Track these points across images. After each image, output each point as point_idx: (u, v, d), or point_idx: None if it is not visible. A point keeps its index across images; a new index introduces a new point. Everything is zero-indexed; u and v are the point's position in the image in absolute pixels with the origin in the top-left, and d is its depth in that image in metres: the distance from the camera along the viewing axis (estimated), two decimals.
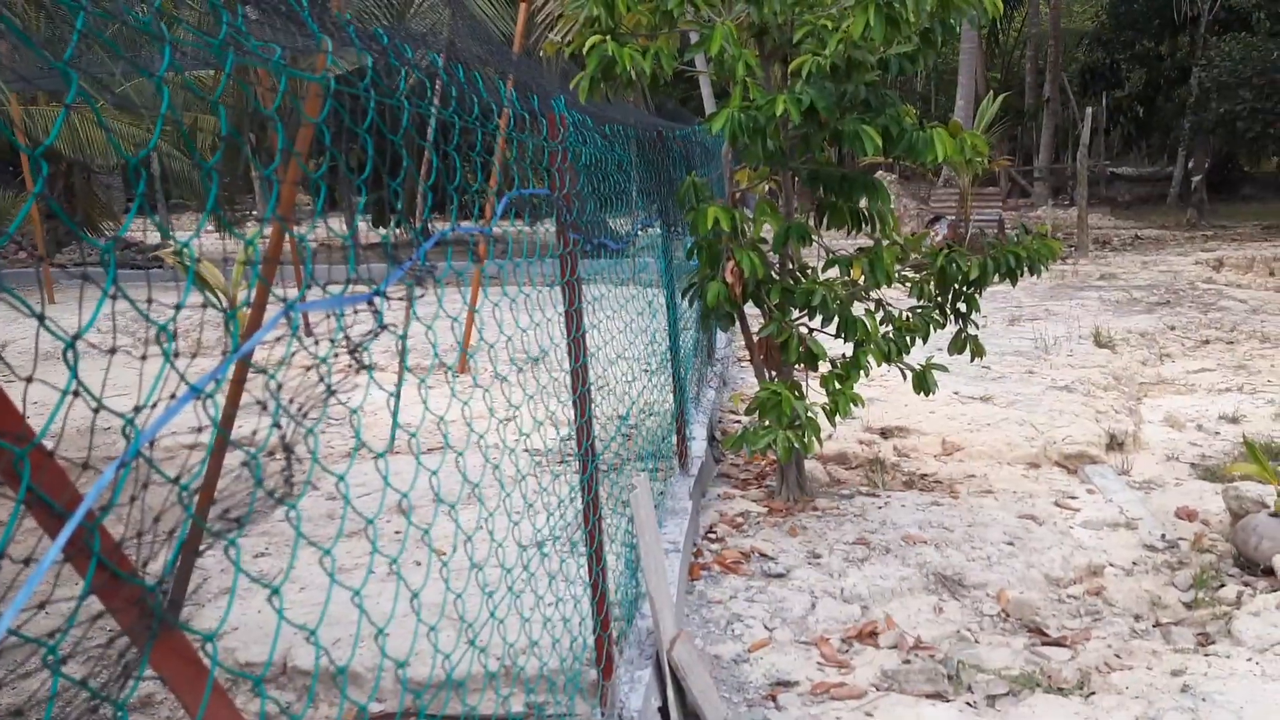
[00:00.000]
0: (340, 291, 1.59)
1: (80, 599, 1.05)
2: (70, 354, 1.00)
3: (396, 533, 4.82)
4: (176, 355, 1.23)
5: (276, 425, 1.36)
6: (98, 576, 1.08)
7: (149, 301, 1.19)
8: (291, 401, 1.41)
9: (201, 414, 1.19)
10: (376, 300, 1.67)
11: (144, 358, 1.24)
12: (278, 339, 1.40)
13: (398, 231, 2.16)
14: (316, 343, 1.47)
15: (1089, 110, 18.08)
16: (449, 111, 2.13)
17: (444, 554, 3.89)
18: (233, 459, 2.72)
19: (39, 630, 1.00)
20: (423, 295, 1.74)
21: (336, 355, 1.49)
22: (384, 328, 1.67)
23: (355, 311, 1.63)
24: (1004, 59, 33.73)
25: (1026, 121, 28.56)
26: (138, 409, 1.15)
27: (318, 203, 1.55)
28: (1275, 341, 9.22)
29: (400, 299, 1.71)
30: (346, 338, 1.60)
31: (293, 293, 1.49)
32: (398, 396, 1.87)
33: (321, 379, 1.49)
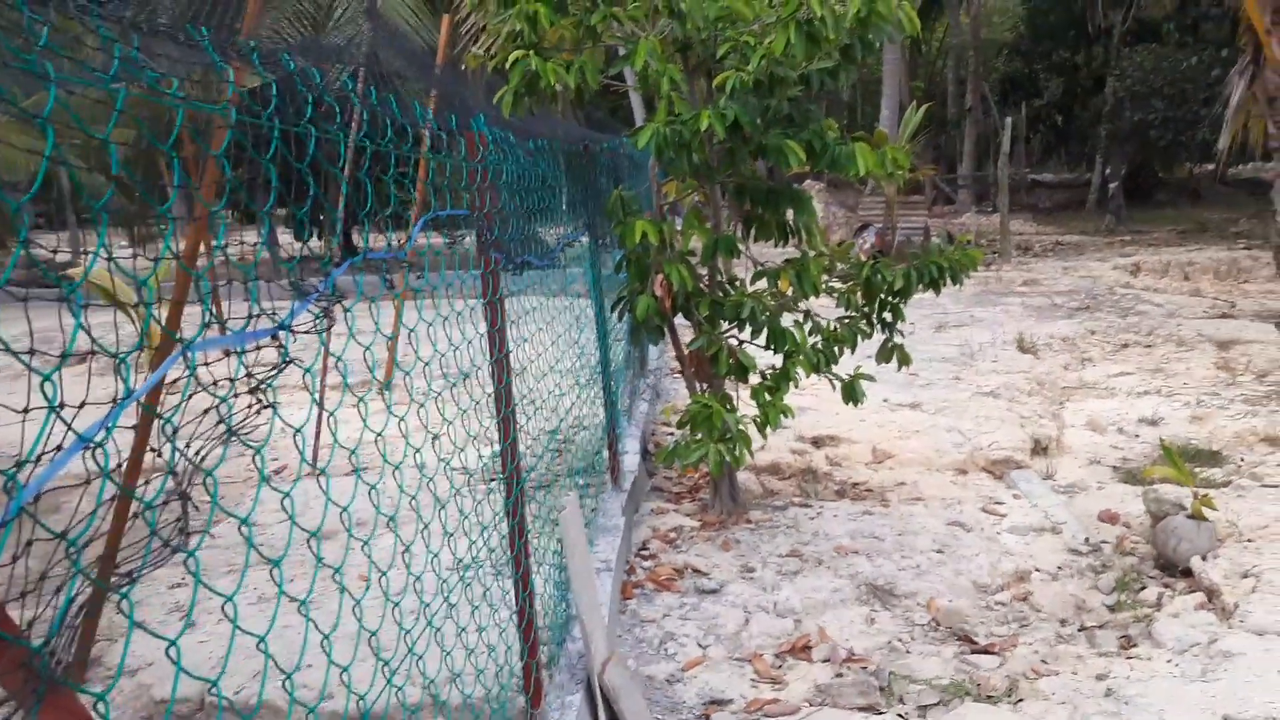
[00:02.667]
0: (243, 326, 1.53)
1: None
2: None
3: (325, 556, 4.71)
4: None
5: (172, 473, 1.30)
6: None
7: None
8: (189, 445, 1.35)
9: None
10: (281, 335, 1.61)
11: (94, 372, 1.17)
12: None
13: (310, 252, 2.10)
14: (215, 383, 1.40)
15: (1009, 119, 18.50)
16: (359, 135, 2.07)
17: (364, 579, 3.80)
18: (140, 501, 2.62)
19: None
20: (331, 326, 1.68)
21: (237, 395, 1.43)
22: (289, 362, 1.62)
23: (259, 347, 1.57)
24: (927, 69, 34.41)
25: (950, 130, 29.16)
26: (19, 464, 1.09)
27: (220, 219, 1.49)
28: (1191, 345, 9.49)
29: (308, 332, 1.65)
30: (249, 375, 1.53)
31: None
32: (320, 418, 1.81)
33: (221, 420, 1.42)
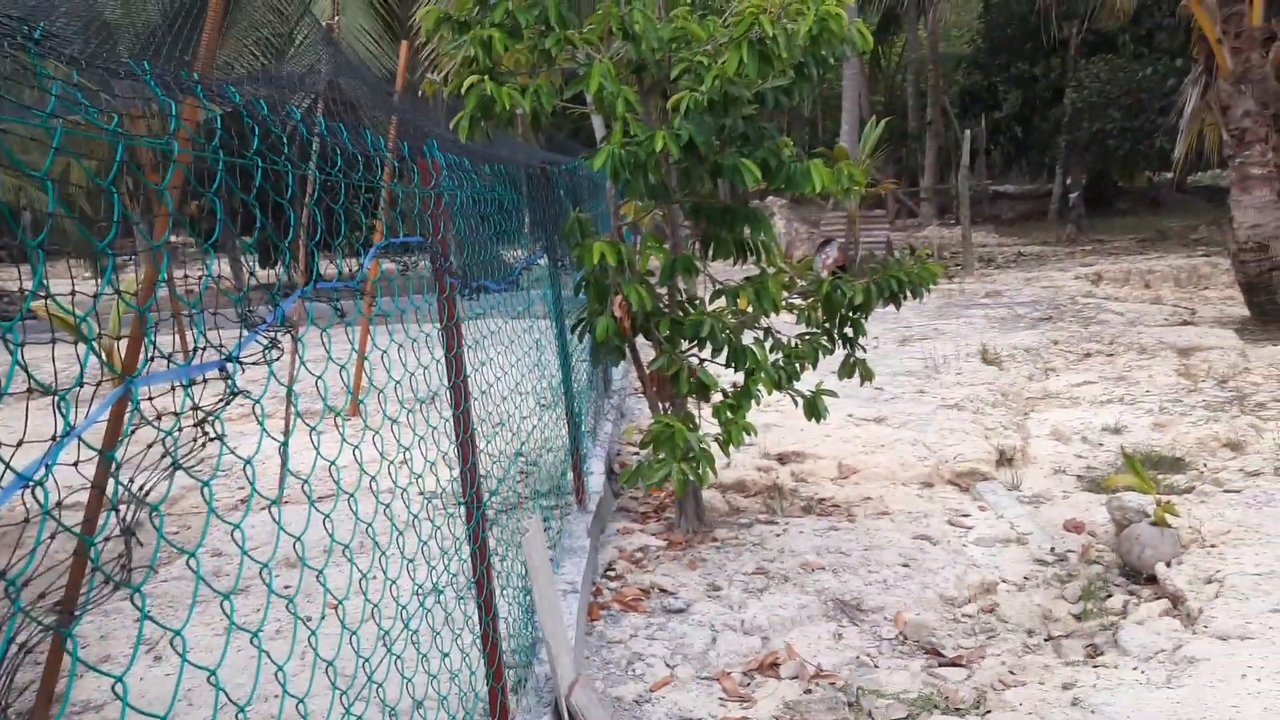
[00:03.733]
0: (188, 360, 1.52)
1: None
2: None
3: (286, 586, 4.66)
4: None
5: (114, 509, 1.29)
6: None
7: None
8: (133, 480, 1.34)
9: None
10: (228, 366, 1.60)
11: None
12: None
13: (261, 282, 2.09)
14: (159, 417, 1.39)
15: (968, 132, 18.74)
16: (308, 166, 2.07)
17: (333, 607, 3.77)
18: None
19: None
20: (280, 357, 1.67)
21: (182, 428, 1.42)
22: (236, 394, 1.60)
23: (204, 380, 1.55)
24: (887, 83, 34.79)
25: (911, 143, 29.48)
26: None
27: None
28: (1152, 352, 9.62)
29: (256, 363, 1.64)
30: (195, 408, 1.52)
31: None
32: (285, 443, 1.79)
33: (166, 452, 1.41)
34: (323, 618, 2.25)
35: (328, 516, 2.12)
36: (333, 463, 2.10)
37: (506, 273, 3.93)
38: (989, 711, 3.57)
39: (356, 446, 2.22)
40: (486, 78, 4.37)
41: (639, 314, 4.82)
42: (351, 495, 2.19)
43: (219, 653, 1.67)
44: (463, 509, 2.94)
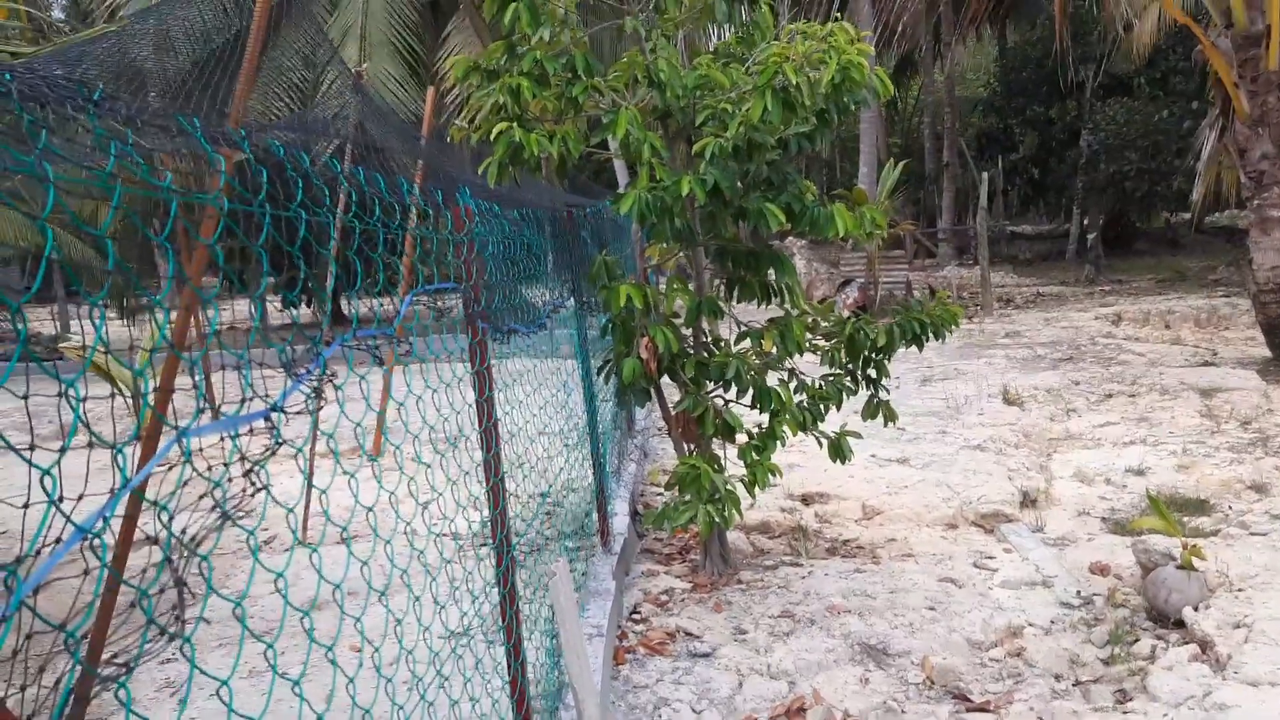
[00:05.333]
0: (236, 410, 1.56)
1: None
2: None
3: (317, 629, 4.67)
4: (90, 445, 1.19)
5: (168, 560, 1.32)
6: None
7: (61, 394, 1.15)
8: (184, 531, 1.37)
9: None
10: (274, 416, 1.64)
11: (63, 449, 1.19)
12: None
13: (296, 322, 2.13)
14: (210, 467, 1.43)
15: (986, 173, 18.81)
16: (348, 215, 2.12)
17: (357, 650, 3.78)
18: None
19: None
20: (323, 406, 1.71)
21: (231, 479, 1.45)
22: (281, 444, 1.64)
23: (251, 430, 1.59)
24: (904, 125, 35.01)
25: (929, 185, 29.58)
26: (19, 559, 1.11)
27: (224, 284, 1.53)
28: (1174, 393, 9.58)
29: (299, 412, 1.68)
30: (242, 458, 1.56)
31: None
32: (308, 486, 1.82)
33: (216, 504, 1.45)
34: (360, 664, 2.26)
35: (365, 564, 2.14)
36: (369, 507, 2.13)
37: (535, 315, 3.98)
38: None
39: (391, 492, 2.25)
40: (515, 124, 4.44)
41: (665, 355, 4.85)
42: (388, 541, 2.22)
43: (247, 696, 1.69)
44: (492, 552, 2.96)
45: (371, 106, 6.37)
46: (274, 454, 1.51)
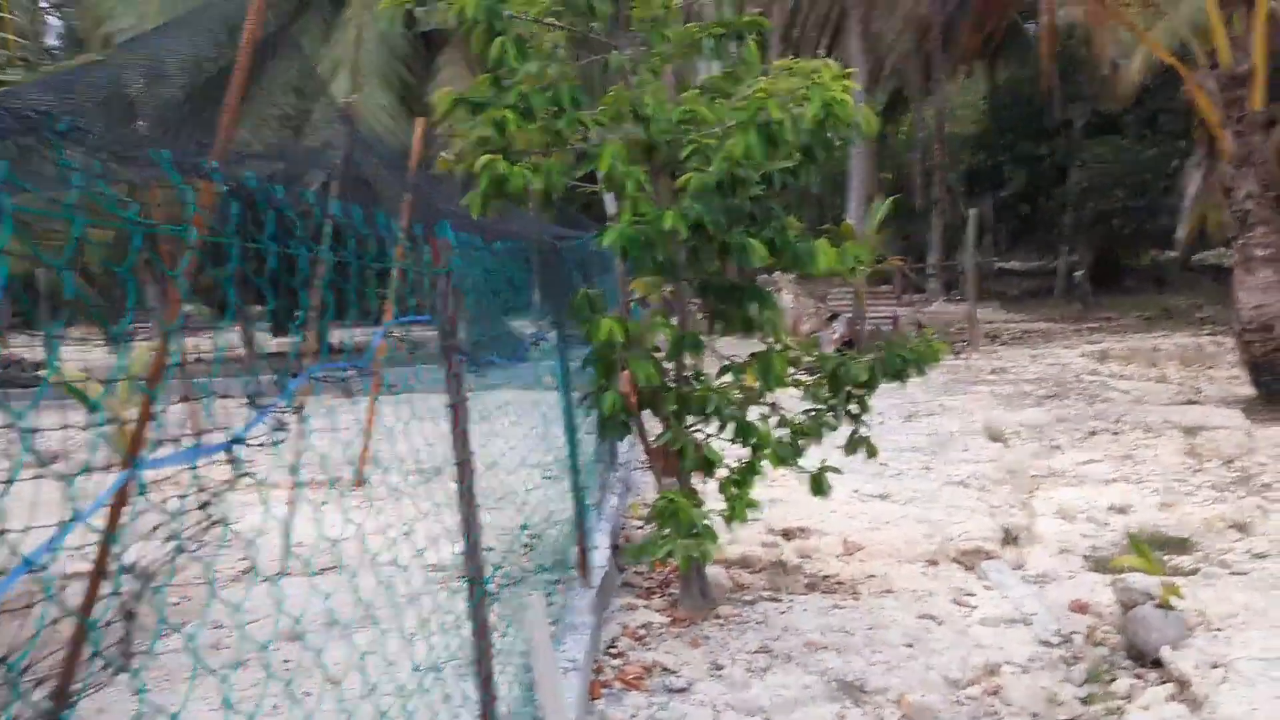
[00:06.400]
0: (194, 444, 1.56)
1: None
2: None
3: (286, 661, 4.63)
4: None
5: (116, 593, 1.31)
6: None
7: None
8: (135, 565, 1.37)
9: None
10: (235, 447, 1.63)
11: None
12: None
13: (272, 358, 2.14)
14: (164, 500, 1.43)
15: (974, 210, 18.96)
16: (325, 249, 2.14)
17: (333, 682, 3.74)
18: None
19: None
20: (284, 440, 1.71)
21: (186, 511, 1.45)
22: (243, 475, 1.64)
23: (209, 464, 1.59)
24: (894, 160, 35.27)
25: (918, 220, 29.78)
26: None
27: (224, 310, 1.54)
28: (1158, 431, 9.61)
29: (261, 445, 1.68)
30: (201, 490, 1.56)
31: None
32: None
33: (171, 537, 1.44)
34: (322, 696, 2.25)
35: (327, 597, 2.13)
36: (333, 540, 2.13)
37: (515, 347, 3.99)
38: None
39: (357, 524, 2.25)
40: (500, 157, 4.47)
41: (645, 389, 4.86)
42: (354, 573, 2.21)
43: None
44: (466, 585, 2.95)
45: (360, 138, 6.41)
46: (233, 487, 1.51)
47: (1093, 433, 9.88)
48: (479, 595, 2.91)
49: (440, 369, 2.95)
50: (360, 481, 7.66)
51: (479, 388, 3.32)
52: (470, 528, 2.94)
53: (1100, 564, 6.07)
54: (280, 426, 1.66)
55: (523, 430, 5.13)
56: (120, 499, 1.38)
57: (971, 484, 7.85)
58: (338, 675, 3.87)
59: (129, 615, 1.25)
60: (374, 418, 7.58)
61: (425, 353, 2.96)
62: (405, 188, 5.75)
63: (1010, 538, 6.64)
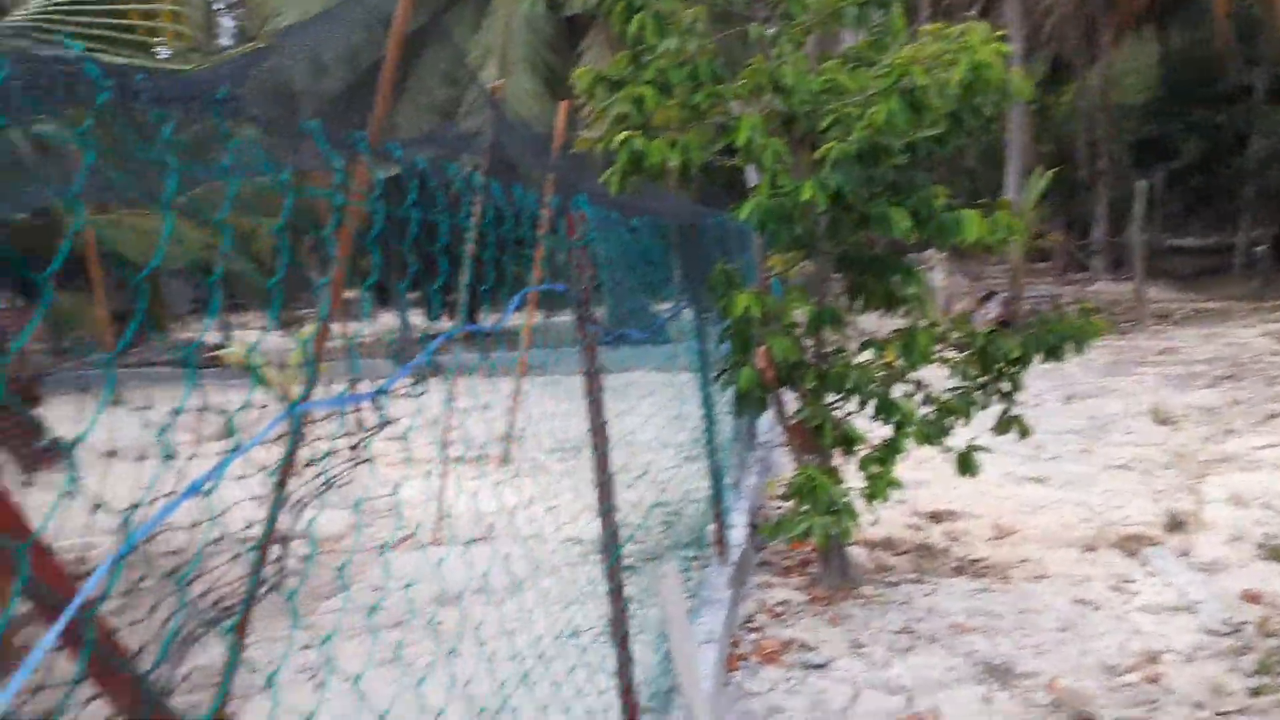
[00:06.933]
0: (343, 390, 1.64)
1: (74, 683, 1.09)
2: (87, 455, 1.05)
3: (439, 623, 4.83)
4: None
5: (273, 520, 1.41)
6: (92, 662, 1.12)
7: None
8: (292, 496, 1.46)
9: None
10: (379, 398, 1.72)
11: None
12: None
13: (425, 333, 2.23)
14: (317, 439, 1.52)
15: (1142, 182, 17.93)
16: (486, 222, 2.21)
17: (480, 645, 3.89)
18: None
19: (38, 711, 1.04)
20: (424, 393, 1.79)
21: (338, 450, 1.54)
22: (386, 424, 1.72)
23: (358, 409, 1.68)
24: (1055, 132, 33.65)
25: (1081, 195, 28.37)
26: (135, 506, 1.20)
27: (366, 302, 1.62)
28: None
29: (406, 395, 1.76)
30: (348, 434, 1.65)
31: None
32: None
33: (321, 473, 1.53)
34: (480, 656, 2.34)
35: (488, 570, 2.22)
36: (488, 513, 2.21)
37: (651, 323, 4.03)
38: None
39: (504, 500, 2.32)
40: (638, 133, 4.50)
41: (783, 366, 4.82)
42: (502, 544, 2.29)
43: (372, 683, 1.79)
44: (601, 547, 3.01)
45: (505, 123, 6.57)
46: (379, 431, 1.59)
47: (1272, 415, 9.23)
48: (615, 557, 2.97)
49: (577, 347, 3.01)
50: (506, 459, 7.88)
51: (615, 368, 3.36)
52: (605, 493, 2.99)
53: (1276, 553, 5.69)
54: (422, 380, 1.74)
55: (659, 410, 5.16)
56: (280, 436, 1.48)
57: (1134, 468, 7.47)
58: (486, 637, 4.03)
59: (285, 540, 1.34)
60: (519, 398, 7.78)
61: (568, 334, 3.02)
62: (548, 169, 5.86)
63: (1176, 523, 6.28)
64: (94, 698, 1.12)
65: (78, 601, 1.03)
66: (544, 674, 3.05)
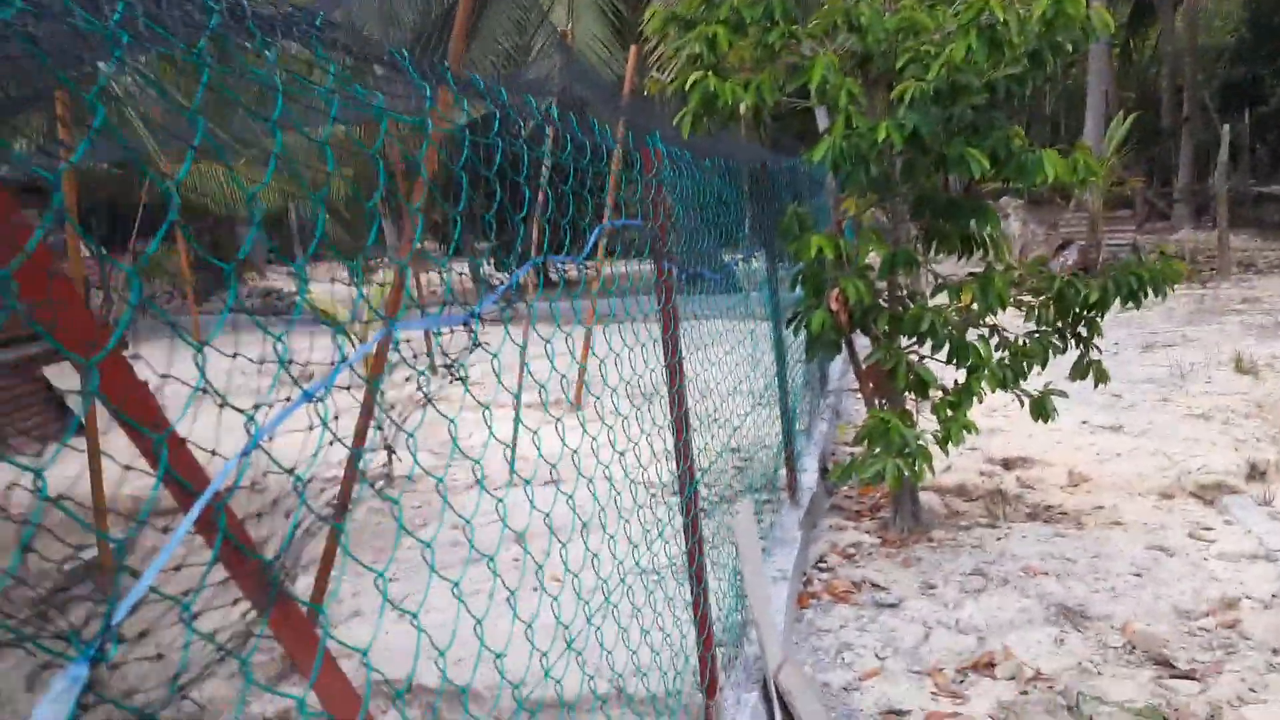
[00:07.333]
0: (438, 310, 1.71)
1: (209, 566, 1.18)
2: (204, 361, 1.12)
3: (515, 560, 4.96)
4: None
5: (379, 428, 1.49)
6: (223, 549, 1.20)
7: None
8: (394, 408, 1.54)
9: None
10: (471, 322, 1.78)
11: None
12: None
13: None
14: (415, 356, 1.58)
15: (1227, 127, 17.29)
16: (564, 155, 2.25)
17: (557, 580, 3.99)
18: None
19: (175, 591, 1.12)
20: (514, 317, 1.84)
21: (435, 370, 1.61)
22: (478, 345, 1.79)
23: (451, 332, 1.74)
24: (1138, 76, 32.53)
25: (1165, 141, 27.45)
26: (256, 406, 1.28)
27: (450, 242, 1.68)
28: None
29: (495, 321, 1.81)
30: (444, 353, 1.72)
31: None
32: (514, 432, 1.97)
33: (420, 388, 1.60)
34: (563, 588, 2.42)
35: (577, 492, 2.29)
36: (560, 457, 2.27)
37: (722, 263, 4.04)
38: None
39: (575, 444, 2.38)
40: (710, 73, 4.49)
41: (856, 309, 4.80)
42: (590, 480, 2.35)
43: (457, 614, 1.88)
44: (677, 482, 3.07)
45: (575, 67, 6.57)
46: (472, 351, 1.65)
47: None
48: (690, 491, 3.02)
49: (650, 294, 3.04)
50: (577, 404, 7.98)
51: (684, 316, 3.38)
52: (680, 426, 3.04)
53: None
54: (510, 304, 1.80)
55: (730, 357, 5.18)
56: (380, 349, 1.55)
57: (1214, 417, 7.31)
58: (560, 575, 4.13)
59: (389, 448, 1.42)
60: (589, 345, 7.85)
61: (631, 284, 3.05)
62: (618, 113, 5.86)
63: (1257, 473, 6.15)
64: (224, 580, 1.21)
65: (210, 491, 1.11)
66: (622, 606, 3.14)
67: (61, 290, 0.92)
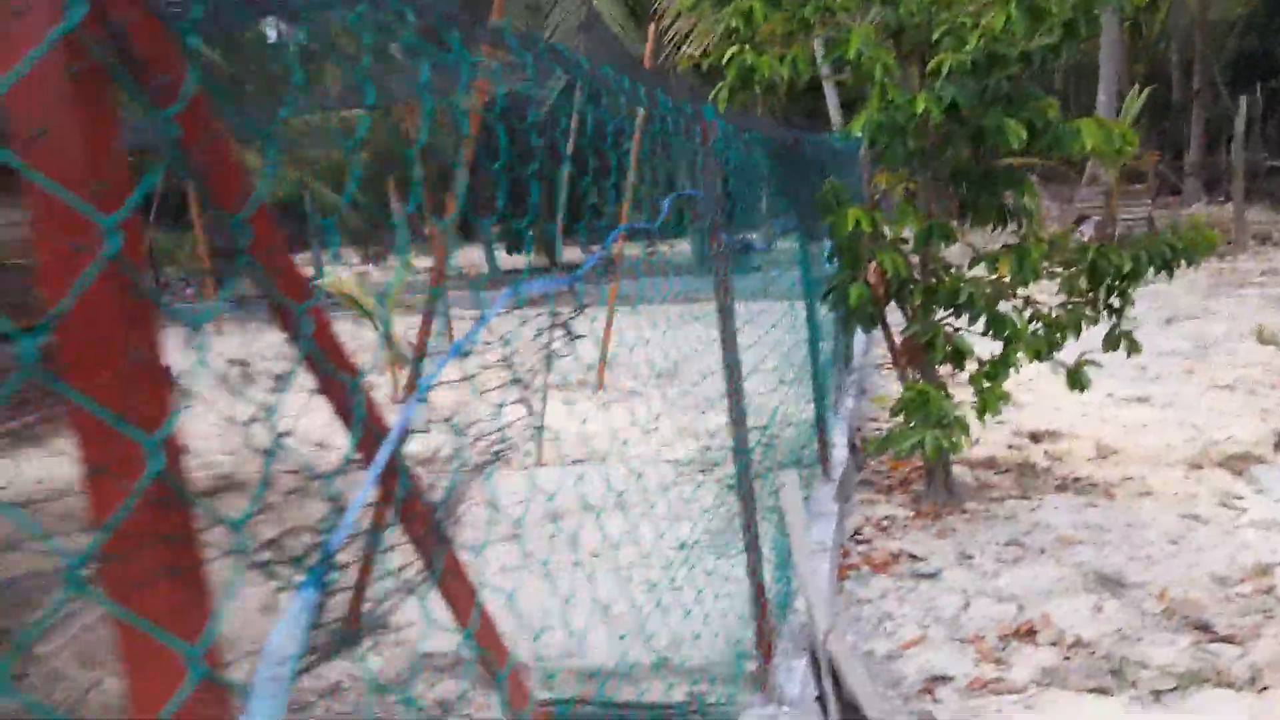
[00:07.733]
0: (549, 277, 1.75)
1: (397, 505, 1.23)
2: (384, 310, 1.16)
3: (553, 537, 5.01)
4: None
5: (518, 380, 1.54)
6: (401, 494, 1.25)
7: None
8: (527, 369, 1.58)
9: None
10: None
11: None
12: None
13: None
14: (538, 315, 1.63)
15: (1243, 98, 17.20)
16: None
17: (594, 554, 4.04)
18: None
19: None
20: (613, 283, 1.88)
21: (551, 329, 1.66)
22: (584, 307, 1.82)
23: (559, 293, 1.79)
24: (1149, 51, 32.29)
25: (1175, 115, 27.30)
26: (421, 357, 1.33)
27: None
28: None
29: (595, 282, 1.86)
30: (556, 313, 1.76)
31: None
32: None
33: (545, 335, 1.65)
34: (621, 568, 2.47)
35: (619, 470, 2.32)
36: (588, 437, 2.31)
37: (768, 235, 4.07)
38: (1265, 688, 3.39)
39: (602, 424, 2.41)
40: (747, 47, 4.50)
41: (893, 280, 4.83)
42: (604, 465, 2.39)
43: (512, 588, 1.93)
44: (732, 455, 3.11)
45: (600, 43, 6.57)
46: (580, 313, 1.69)
47: None
48: (745, 460, 3.06)
49: (678, 280, 3.07)
50: (600, 386, 8.02)
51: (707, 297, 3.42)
52: (735, 398, 3.08)
53: None
54: (609, 262, 1.84)
55: (762, 336, 5.21)
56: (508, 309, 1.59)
57: (1239, 388, 7.34)
58: (596, 549, 4.19)
59: (528, 402, 1.48)
60: (610, 326, 7.89)
61: (659, 267, 3.08)
62: (647, 90, 5.87)
63: None
64: (395, 524, 1.26)
65: (395, 434, 1.16)
66: (679, 580, 3.19)
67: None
